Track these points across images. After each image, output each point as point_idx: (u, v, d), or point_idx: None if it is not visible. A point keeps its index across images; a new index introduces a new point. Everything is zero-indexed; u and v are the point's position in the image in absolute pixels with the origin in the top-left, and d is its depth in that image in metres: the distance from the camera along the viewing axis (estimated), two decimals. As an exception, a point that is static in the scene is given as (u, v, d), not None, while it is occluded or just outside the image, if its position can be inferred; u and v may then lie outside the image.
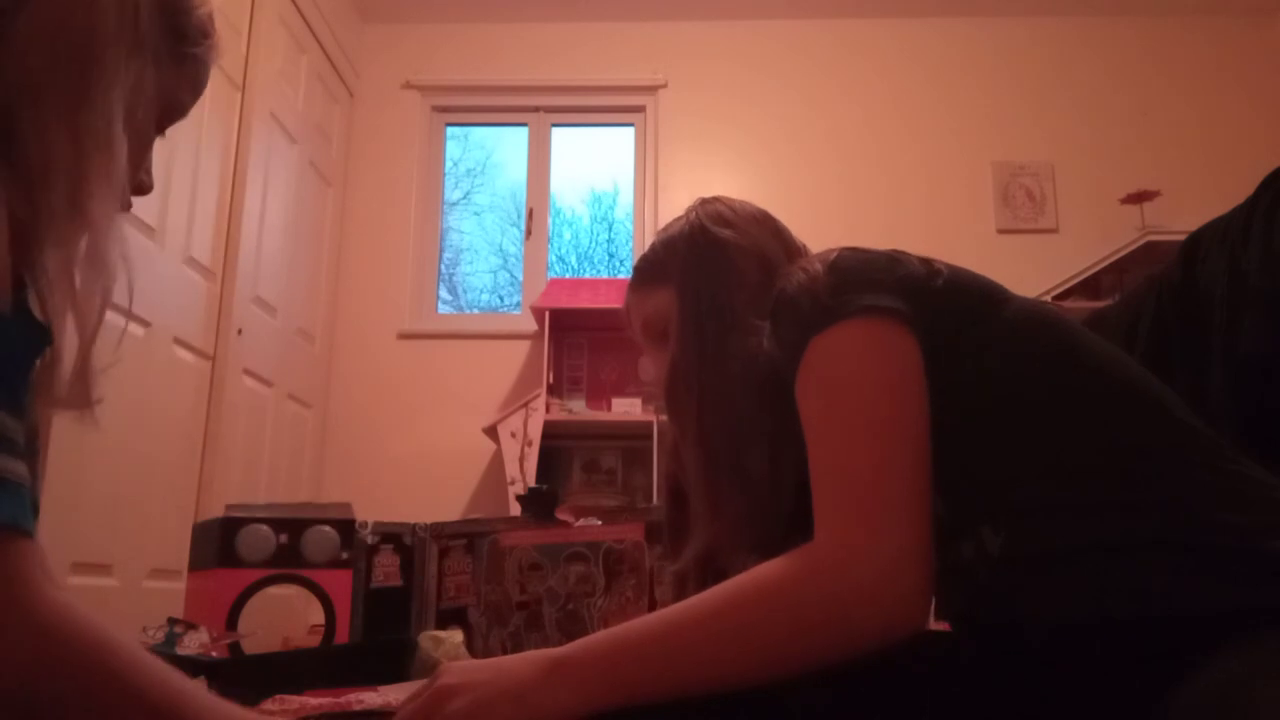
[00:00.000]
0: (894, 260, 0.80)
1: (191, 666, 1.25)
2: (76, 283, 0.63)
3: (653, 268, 0.99)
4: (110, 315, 0.66)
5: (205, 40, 0.76)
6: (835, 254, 0.81)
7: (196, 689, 0.67)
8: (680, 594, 0.85)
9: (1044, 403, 0.73)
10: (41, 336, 0.62)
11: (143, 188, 0.77)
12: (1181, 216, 2.95)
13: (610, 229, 4.39)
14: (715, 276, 0.92)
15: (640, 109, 4.03)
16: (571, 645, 0.69)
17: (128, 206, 0.74)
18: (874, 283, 0.76)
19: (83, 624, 0.60)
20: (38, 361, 0.63)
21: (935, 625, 0.79)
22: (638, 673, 0.68)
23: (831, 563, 0.68)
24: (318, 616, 1.70)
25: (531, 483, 3.11)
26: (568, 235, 4.38)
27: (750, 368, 0.85)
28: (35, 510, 0.64)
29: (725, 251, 0.93)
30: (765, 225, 0.97)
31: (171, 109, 0.76)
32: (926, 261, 0.80)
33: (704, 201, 0.99)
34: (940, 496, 0.72)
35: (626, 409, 3.47)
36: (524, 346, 3.76)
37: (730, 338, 0.88)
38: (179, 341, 2.57)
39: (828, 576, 0.67)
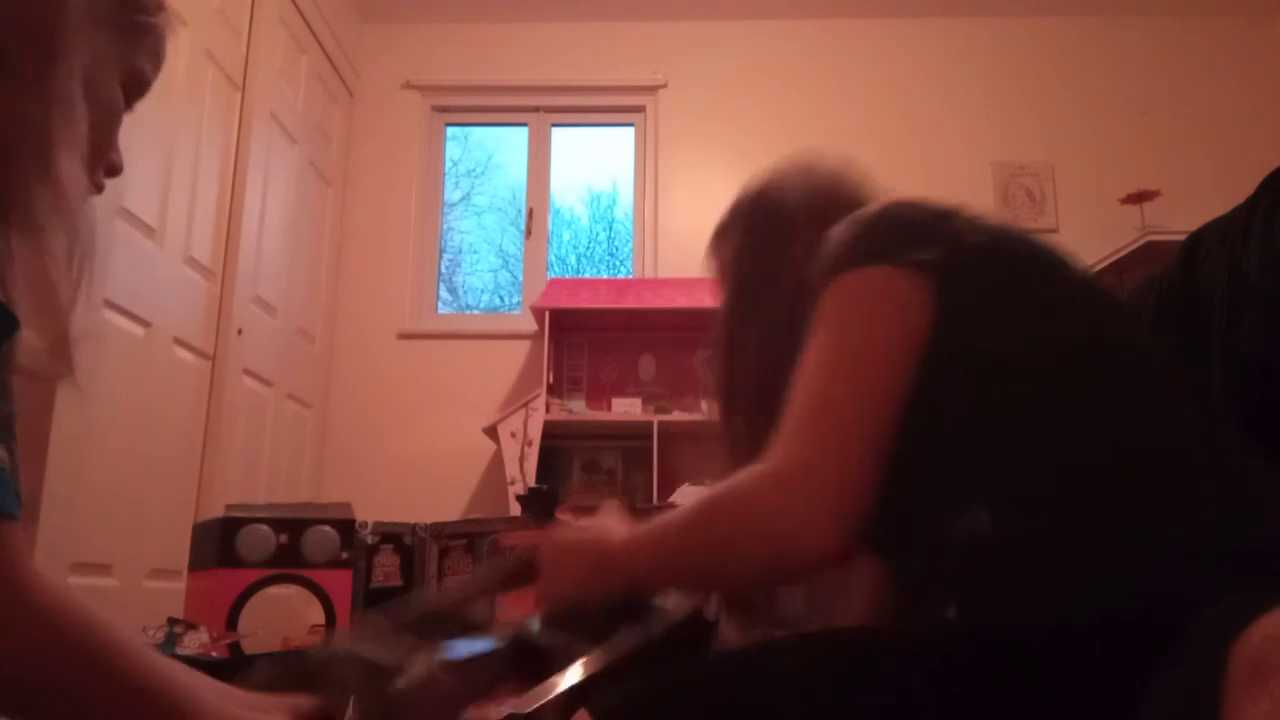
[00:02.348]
0: (941, 217, 0.81)
1: (191, 667, 1.25)
2: (50, 250, 0.63)
3: (726, 220, 1.08)
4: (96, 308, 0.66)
5: (160, 11, 0.77)
6: (883, 206, 0.84)
7: (181, 674, 0.66)
8: None
9: (1054, 393, 0.72)
10: (9, 323, 0.62)
11: (114, 168, 0.76)
12: (1181, 216, 2.95)
13: (610, 229, 4.39)
14: (766, 236, 0.99)
15: (640, 109, 4.03)
16: (617, 542, 0.83)
17: (100, 188, 0.74)
18: (908, 235, 0.78)
19: (72, 607, 0.60)
20: (6, 347, 0.63)
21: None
22: (651, 570, 0.81)
23: (776, 480, 0.72)
24: (318, 616, 1.70)
25: (531, 483, 3.11)
26: (567, 235, 4.38)
27: (781, 332, 0.89)
28: (18, 497, 0.63)
29: (782, 212, 0.99)
30: (837, 190, 1.01)
31: (134, 81, 0.76)
32: (976, 219, 0.81)
33: (784, 160, 1.06)
34: (939, 469, 0.73)
35: (626, 409, 3.47)
36: (524, 346, 3.76)
37: (766, 297, 0.95)
38: (179, 341, 2.57)
39: (771, 491, 0.72)
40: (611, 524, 0.88)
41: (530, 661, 0.79)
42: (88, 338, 0.65)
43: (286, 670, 0.80)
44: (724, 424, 0.99)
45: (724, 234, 1.09)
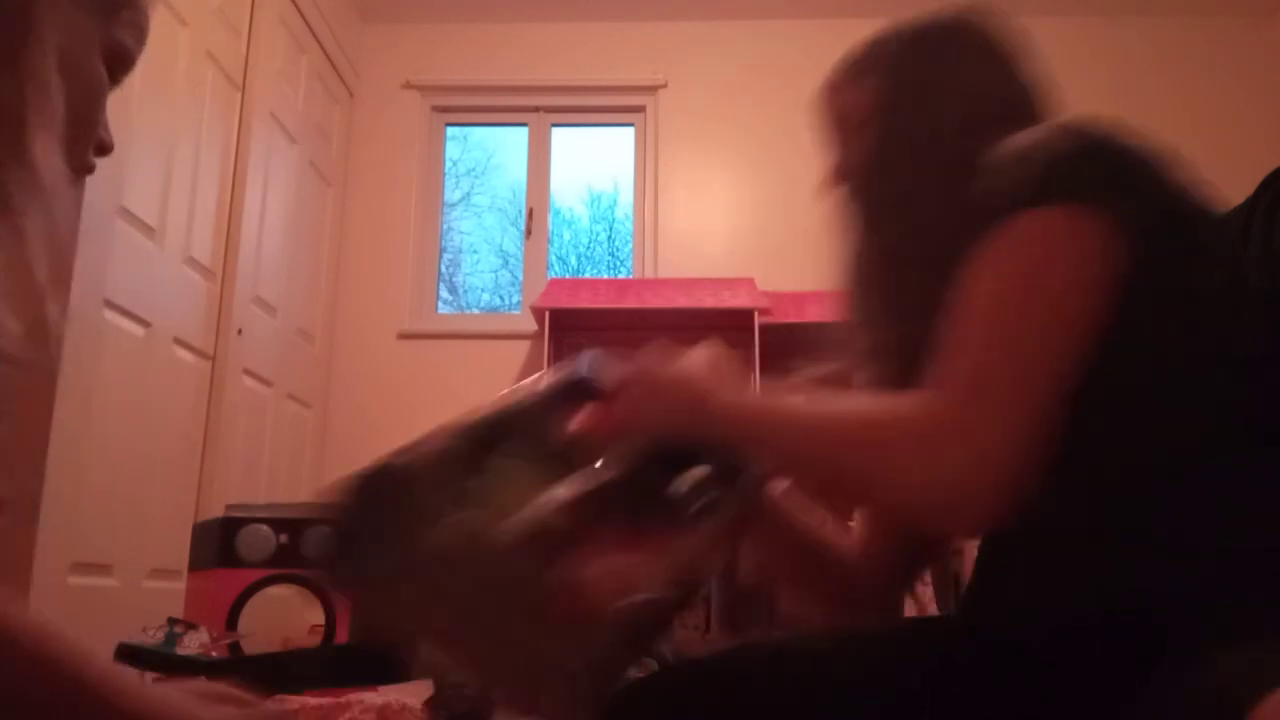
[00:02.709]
0: (1150, 162, 0.74)
1: (191, 666, 1.25)
2: (25, 232, 0.61)
3: (861, 60, 1.00)
4: (97, 309, 0.65)
5: None
6: (1088, 131, 0.74)
7: (135, 681, 0.66)
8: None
9: (1103, 388, 0.71)
10: None
11: (104, 146, 0.73)
12: (1181, 216, 2.94)
13: (610, 229, 4.39)
14: (919, 92, 0.92)
15: (640, 109, 4.03)
16: (724, 397, 0.77)
17: (91, 168, 0.73)
18: (1109, 177, 0.71)
19: (17, 616, 0.59)
20: None
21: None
22: (752, 442, 0.77)
23: (948, 431, 0.67)
24: (318, 616, 1.70)
25: (531, 483, 3.10)
26: (568, 235, 4.38)
27: (929, 203, 0.84)
28: None
29: (946, 67, 0.92)
30: (1013, 65, 0.94)
31: (117, 56, 0.73)
32: (1184, 182, 0.75)
33: (938, 9, 0.96)
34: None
35: (626, 409, 3.46)
36: (524, 346, 3.75)
37: (910, 164, 0.88)
38: (179, 341, 2.57)
39: (943, 444, 0.67)
40: (703, 370, 0.82)
41: (622, 504, 0.74)
42: (69, 322, 0.63)
43: (369, 484, 0.74)
44: (853, 299, 0.90)
45: (857, 76, 0.98)
